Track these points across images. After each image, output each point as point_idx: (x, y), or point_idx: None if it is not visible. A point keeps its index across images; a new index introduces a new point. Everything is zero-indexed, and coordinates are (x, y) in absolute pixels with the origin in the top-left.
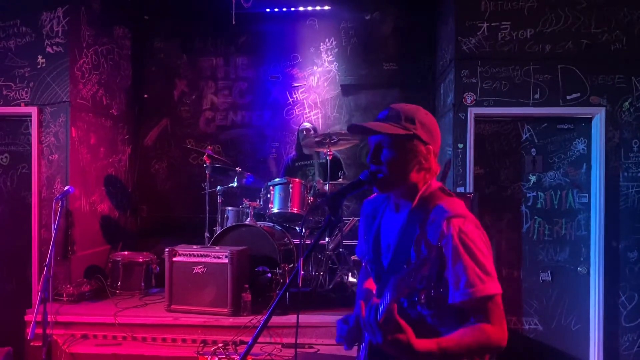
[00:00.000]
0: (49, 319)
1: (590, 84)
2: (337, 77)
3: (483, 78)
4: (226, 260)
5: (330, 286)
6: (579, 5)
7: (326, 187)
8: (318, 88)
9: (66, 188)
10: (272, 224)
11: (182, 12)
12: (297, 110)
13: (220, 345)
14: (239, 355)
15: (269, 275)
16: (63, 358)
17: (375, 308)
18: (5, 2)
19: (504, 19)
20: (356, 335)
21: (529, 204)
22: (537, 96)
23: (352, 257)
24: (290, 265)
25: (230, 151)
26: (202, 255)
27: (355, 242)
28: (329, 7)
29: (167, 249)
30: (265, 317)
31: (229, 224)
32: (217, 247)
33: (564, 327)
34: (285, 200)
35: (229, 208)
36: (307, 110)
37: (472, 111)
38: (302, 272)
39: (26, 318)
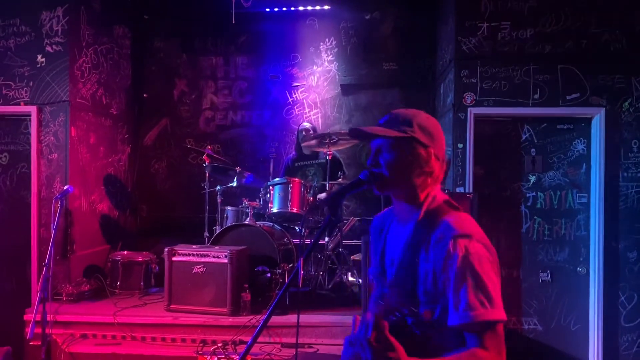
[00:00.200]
0: (48, 319)
1: (590, 84)
2: (337, 76)
3: (483, 78)
4: (226, 260)
5: (330, 286)
6: (579, 5)
7: (326, 187)
8: (318, 88)
9: (65, 187)
10: (271, 224)
11: (182, 12)
12: (296, 110)
13: (219, 345)
14: (238, 355)
15: (269, 275)
16: (62, 357)
17: (366, 324)
18: (5, 1)
19: (504, 19)
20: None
21: (529, 204)
22: (536, 96)
23: (352, 257)
24: (290, 265)
25: (230, 151)
26: (201, 255)
27: (354, 241)
28: (329, 7)
29: (166, 249)
30: (265, 316)
31: (228, 224)
32: (216, 247)
33: (564, 327)
34: (284, 200)
35: (229, 208)
36: (306, 110)
37: (472, 111)
38: (302, 272)
39: (25, 317)
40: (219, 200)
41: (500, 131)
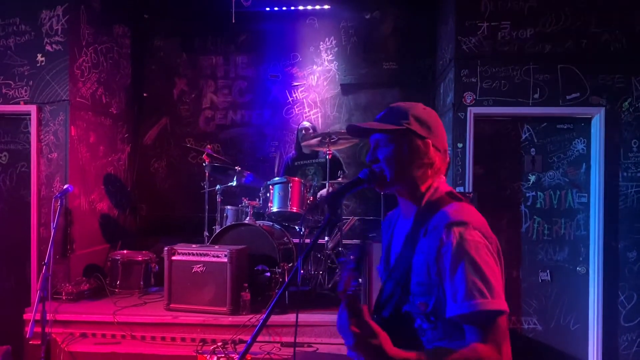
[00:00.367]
0: (47, 318)
1: (590, 84)
2: (337, 76)
3: (483, 78)
4: (225, 259)
5: (330, 285)
6: (579, 5)
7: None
8: (318, 87)
9: (65, 187)
10: (271, 223)
11: (182, 11)
12: (296, 109)
13: (219, 344)
14: (238, 354)
15: (268, 274)
16: (62, 357)
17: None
18: (5, 0)
19: (504, 19)
20: None
21: (529, 203)
22: (536, 96)
23: (352, 257)
24: (290, 264)
25: (230, 150)
26: (201, 254)
27: (354, 241)
28: (329, 6)
29: (166, 248)
30: (264, 315)
31: (228, 223)
32: (216, 246)
33: (563, 326)
34: (284, 199)
35: (228, 207)
36: (306, 110)
37: (472, 111)
38: (302, 271)
39: (25, 317)
40: (218, 199)
41: (500, 131)
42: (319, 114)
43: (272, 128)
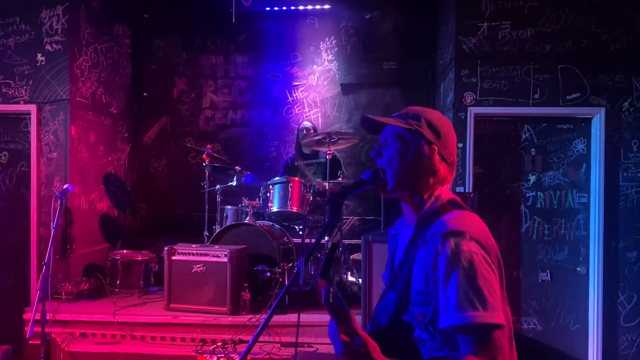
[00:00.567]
0: (47, 318)
1: (590, 84)
2: (337, 76)
3: (483, 78)
4: (225, 259)
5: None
6: (580, 5)
7: (326, 186)
8: (318, 87)
9: (65, 186)
10: (271, 223)
11: (182, 10)
12: (296, 109)
13: (219, 344)
14: (237, 354)
15: (268, 274)
16: (62, 356)
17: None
18: None
19: (504, 19)
20: None
21: (529, 203)
22: (537, 96)
23: (352, 257)
24: (290, 265)
25: (230, 150)
26: (201, 254)
27: (354, 241)
28: (329, 6)
29: (166, 248)
30: (266, 316)
31: (228, 223)
32: (216, 246)
33: (563, 327)
34: (284, 199)
35: (228, 207)
36: (306, 109)
37: (472, 111)
38: (302, 272)
39: (25, 316)
40: (218, 199)
41: (500, 131)
42: (319, 114)
43: (272, 128)
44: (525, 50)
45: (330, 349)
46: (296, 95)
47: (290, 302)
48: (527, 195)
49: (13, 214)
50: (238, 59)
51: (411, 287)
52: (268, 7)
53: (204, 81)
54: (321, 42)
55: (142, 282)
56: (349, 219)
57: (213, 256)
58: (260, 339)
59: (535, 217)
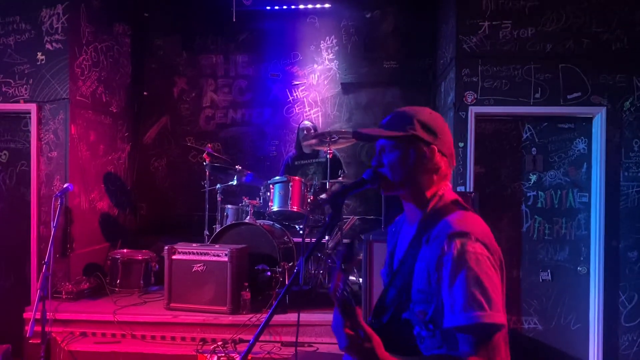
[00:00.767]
0: (47, 317)
1: (591, 83)
2: (338, 75)
3: (484, 77)
4: (226, 259)
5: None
6: (580, 4)
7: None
8: (318, 86)
9: (65, 185)
10: (271, 223)
11: (182, 10)
12: (297, 108)
13: (219, 343)
14: (238, 354)
15: (269, 273)
16: (62, 356)
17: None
18: None
19: (505, 18)
20: None
21: (529, 203)
22: (537, 95)
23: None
24: (290, 264)
25: (230, 149)
26: (201, 254)
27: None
28: (330, 5)
29: (166, 247)
30: (267, 315)
31: (228, 222)
32: (216, 245)
33: (564, 326)
34: (285, 198)
35: (229, 206)
36: (307, 109)
37: (473, 110)
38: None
39: (25, 316)
40: (219, 198)
41: (501, 130)
42: (320, 113)
43: (272, 127)
44: (526, 50)
45: (330, 349)
46: (296, 95)
47: (290, 301)
48: (528, 194)
49: (13, 213)
50: (238, 58)
51: (412, 285)
52: (268, 6)
53: (204, 80)
54: (322, 41)
55: (142, 282)
56: (349, 218)
57: (213, 255)
58: (261, 338)
59: (536, 216)
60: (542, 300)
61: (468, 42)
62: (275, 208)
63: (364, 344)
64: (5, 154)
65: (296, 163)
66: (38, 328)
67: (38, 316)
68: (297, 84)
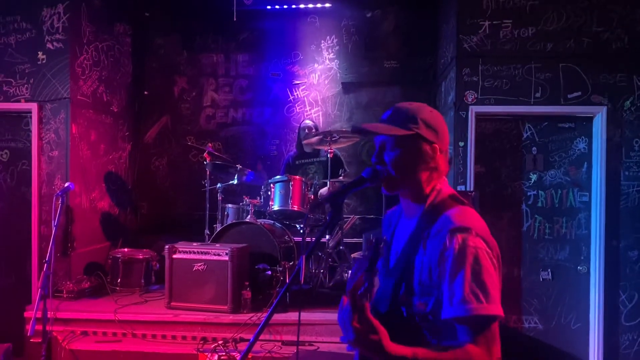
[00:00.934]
0: (48, 316)
1: (591, 82)
2: (338, 74)
3: (484, 76)
4: (226, 258)
5: (331, 284)
6: (581, 3)
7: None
8: (319, 86)
9: (66, 185)
10: (272, 222)
11: (183, 9)
12: (297, 107)
13: (220, 342)
14: (239, 353)
15: (269, 272)
16: (63, 354)
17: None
18: None
19: (506, 17)
20: None
21: (530, 202)
22: (538, 95)
23: (353, 255)
24: (291, 263)
25: (231, 148)
26: (202, 253)
27: (355, 239)
28: (330, 5)
29: (167, 246)
30: (267, 314)
31: (229, 222)
32: (217, 245)
33: (564, 325)
34: (285, 197)
35: (229, 205)
36: (307, 108)
37: (473, 109)
38: (303, 270)
39: (26, 314)
40: (219, 197)
41: (502, 129)
42: (320, 113)
43: (273, 126)
44: (526, 49)
45: (331, 348)
46: (297, 94)
47: (291, 300)
48: (528, 194)
49: (14, 212)
50: (239, 57)
51: (413, 278)
52: (269, 5)
53: (204, 80)
54: (322, 41)
55: (143, 281)
56: (350, 217)
57: (214, 255)
58: (261, 337)
59: (536, 215)
60: (543, 300)
61: (469, 41)
62: (276, 207)
63: (371, 336)
64: (6, 153)
65: (297, 162)
66: (39, 327)
67: (39, 315)
68: (298, 84)
